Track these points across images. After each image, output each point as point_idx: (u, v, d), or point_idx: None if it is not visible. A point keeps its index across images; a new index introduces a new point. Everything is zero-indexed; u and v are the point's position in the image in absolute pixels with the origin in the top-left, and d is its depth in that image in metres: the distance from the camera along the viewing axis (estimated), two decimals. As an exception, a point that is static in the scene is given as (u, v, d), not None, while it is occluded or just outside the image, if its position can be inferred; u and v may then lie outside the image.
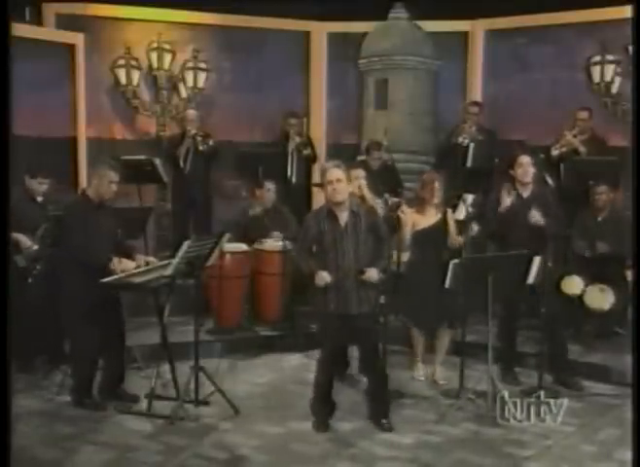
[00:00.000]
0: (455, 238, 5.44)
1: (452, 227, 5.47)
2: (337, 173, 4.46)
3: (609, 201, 6.33)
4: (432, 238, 5.44)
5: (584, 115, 6.98)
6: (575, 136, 6.90)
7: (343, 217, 4.52)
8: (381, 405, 4.75)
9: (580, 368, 5.68)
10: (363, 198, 5.31)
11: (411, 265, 5.59)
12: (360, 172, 5.49)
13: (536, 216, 5.28)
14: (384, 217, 5.29)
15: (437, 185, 5.43)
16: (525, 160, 5.44)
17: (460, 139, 7.31)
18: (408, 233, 5.47)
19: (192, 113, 7.57)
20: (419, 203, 5.53)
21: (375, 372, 4.72)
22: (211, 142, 7.39)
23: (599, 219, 6.33)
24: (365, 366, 4.77)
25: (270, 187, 6.80)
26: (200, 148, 7.32)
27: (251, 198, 6.97)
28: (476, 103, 7.68)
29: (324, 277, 4.44)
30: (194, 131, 7.35)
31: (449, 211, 5.51)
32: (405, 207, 5.57)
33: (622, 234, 5.76)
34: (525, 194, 5.47)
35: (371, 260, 4.55)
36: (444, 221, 5.47)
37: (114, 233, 5.09)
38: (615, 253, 6.04)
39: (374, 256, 4.58)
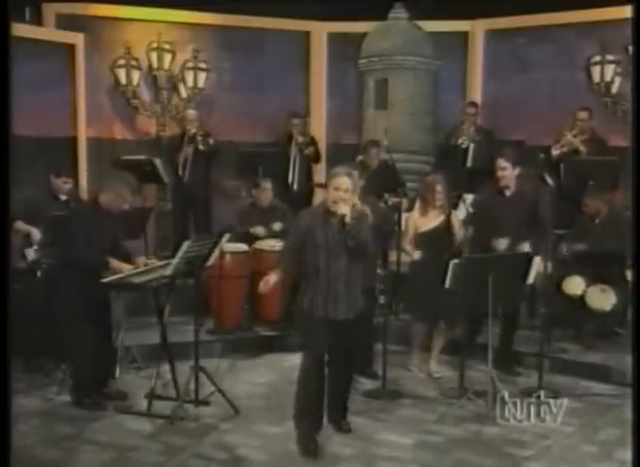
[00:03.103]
0: (461, 242, 5.45)
1: (457, 228, 5.45)
2: (346, 182, 4.26)
3: (603, 205, 6.28)
4: (435, 239, 5.44)
5: (583, 115, 6.98)
6: (575, 136, 6.91)
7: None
8: (342, 407, 4.63)
9: (580, 368, 5.69)
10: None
11: (415, 265, 5.59)
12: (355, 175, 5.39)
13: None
14: (381, 219, 5.28)
15: (439, 187, 5.45)
16: (501, 164, 5.59)
17: (460, 141, 7.32)
18: (410, 234, 5.50)
19: (191, 113, 7.57)
20: (422, 205, 5.53)
21: (345, 375, 4.57)
22: (211, 141, 7.38)
23: (597, 221, 6.31)
24: (337, 369, 4.50)
25: (267, 186, 6.80)
26: (201, 147, 7.32)
27: (250, 199, 6.96)
28: (473, 104, 7.71)
29: (268, 279, 4.36)
30: (194, 131, 7.35)
31: (454, 213, 5.50)
32: (414, 211, 5.57)
33: (621, 235, 5.80)
34: (508, 192, 5.64)
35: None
36: (447, 222, 5.47)
37: (115, 237, 5.11)
38: (612, 253, 6.04)
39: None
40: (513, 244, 5.51)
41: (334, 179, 4.30)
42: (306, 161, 7.79)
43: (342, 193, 4.24)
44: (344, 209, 4.20)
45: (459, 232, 5.47)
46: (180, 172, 7.35)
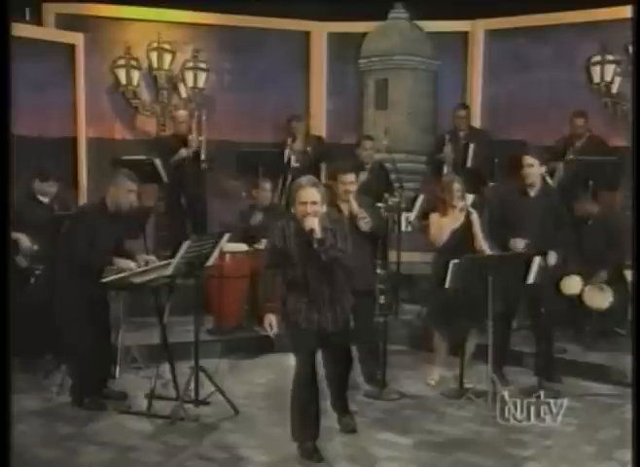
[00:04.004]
0: (482, 245, 5.30)
1: (478, 228, 5.30)
2: (313, 194, 4.07)
3: (593, 206, 6.25)
4: (457, 240, 5.32)
5: (580, 122, 7.00)
6: (573, 143, 6.90)
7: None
8: (342, 405, 4.62)
9: (580, 368, 5.69)
10: (348, 202, 5.12)
11: (436, 267, 5.38)
12: (351, 177, 5.18)
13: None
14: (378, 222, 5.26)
15: (456, 186, 5.38)
16: (528, 160, 5.47)
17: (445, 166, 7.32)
18: (436, 236, 5.41)
19: (182, 114, 7.58)
20: (441, 206, 5.45)
21: (340, 372, 4.52)
22: (207, 165, 7.32)
23: (589, 222, 6.28)
24: (331, 367, 4.47)
25: (267, 186, 6.80)
26: (204, 166, 7.28)
27: (250, 199, 6.96)
28: (464, 106, 7.71)
29: (270, 323, 4.18)
30: (194, 150, 7.29)
31: (474, 213, 5.36)
32: (432, 214, 5.52)
33: (613, 237, 5.93)
34: (532, 192, 5.50)
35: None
36: (467, 223, 5.35)
37: (119, 238, 5.11)
38: (603, 254, 6.06)
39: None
40: (535, 245, 5.29)
41: (299, 192, 4.11)
42: (309, 162, 7.76)
43: (310, 206, 4.05)
44: (312, 224, 4.01)
45: (481, 235, 5.29)
46: (176, 173, 7.31)
